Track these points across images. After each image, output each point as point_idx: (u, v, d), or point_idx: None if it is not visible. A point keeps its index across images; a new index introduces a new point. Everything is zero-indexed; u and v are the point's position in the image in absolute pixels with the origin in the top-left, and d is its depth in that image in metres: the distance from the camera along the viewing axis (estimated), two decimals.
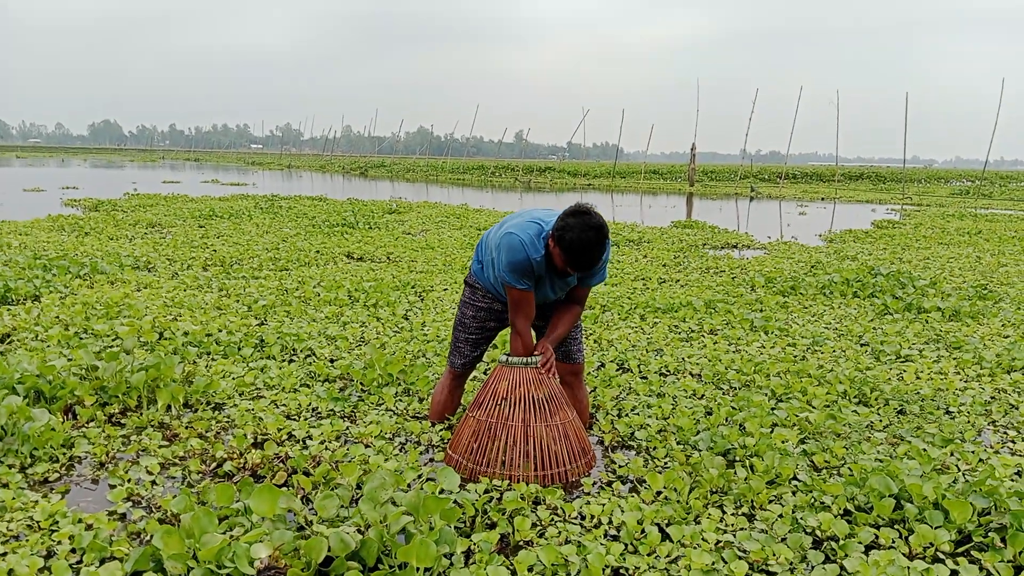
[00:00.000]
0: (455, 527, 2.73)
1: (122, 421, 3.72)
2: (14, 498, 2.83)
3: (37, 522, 2.69)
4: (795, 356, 5.09)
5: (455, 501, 2.81)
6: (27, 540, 2.57)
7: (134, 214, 13.80)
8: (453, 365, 3.62)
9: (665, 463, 3.36)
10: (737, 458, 3.41)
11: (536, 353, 3.28)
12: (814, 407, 4.06)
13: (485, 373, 4.52)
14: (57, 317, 5.53)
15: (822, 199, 27.78)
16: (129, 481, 3.08)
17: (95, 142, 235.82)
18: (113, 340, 5.02)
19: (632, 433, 3.72)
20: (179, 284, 7.13)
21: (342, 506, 2.72)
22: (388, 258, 9.43)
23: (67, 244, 9.56)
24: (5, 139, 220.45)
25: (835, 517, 2.79)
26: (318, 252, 9.51)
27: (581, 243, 2.95)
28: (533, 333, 3.43)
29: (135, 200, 17.16)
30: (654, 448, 3.51)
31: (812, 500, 2.96)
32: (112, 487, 3.03)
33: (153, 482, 3.09)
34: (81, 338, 5.05)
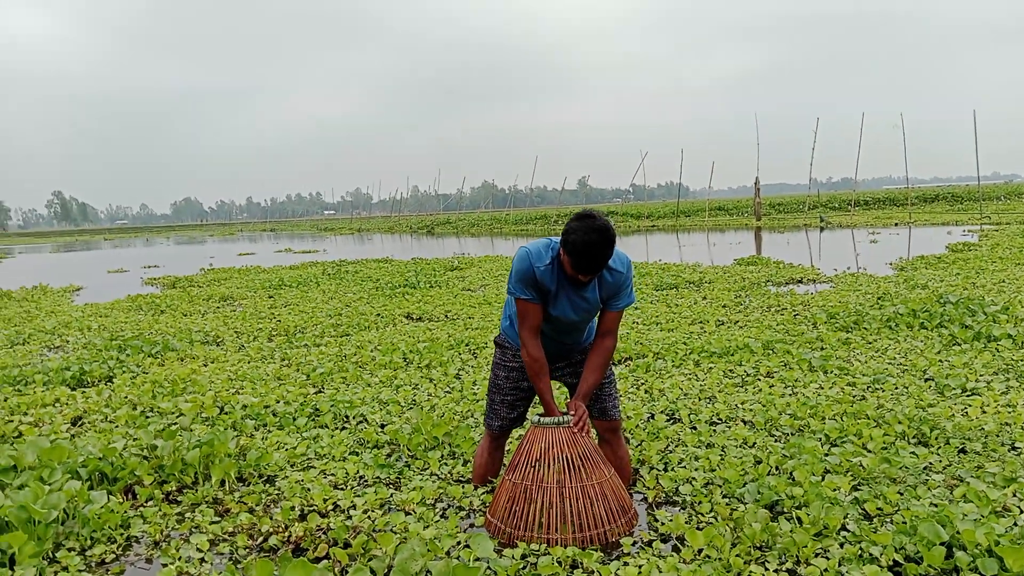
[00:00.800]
0: None
1: (178, 498, 3.85)
2: None
3: None
4: (853, 396, 4.93)
5: (489, 568, 2.81)
6: None
7: (208, 289, 14.39)
8: (491, 428, 3.63)
9: (709, 519, 3.28)
10: (784, 509, 3.31)
11: (569, 413, 3.27)
12: (869, 451, 3.91)
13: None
14: (126, 397, 5.79)
15: (895, 224, 26.98)
16: (180, 559, 3.17)
17: (177, 219, 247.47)
18: (177, 417, 5.21)
19: (677, 488, 3.65)
20: (244, 357, 7.37)
21: None
22: (446, 316, 9.56)
23: (143, 323, 10.02)
24: (94, 222, 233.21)
25: (882, 569, 2.67)
26: (379, 315, 9.72)
27: (585, 244, 2.97)
28: (566, 390, 3.41)
29: (211, 275, 17.89)
30: (699, 503, 3.43)
31: (860, 552, 2.84)
32: (164, 566, 3.14)
33: (202, 559, 3.19)
34: (147, 417, 5.26)
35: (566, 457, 3.16)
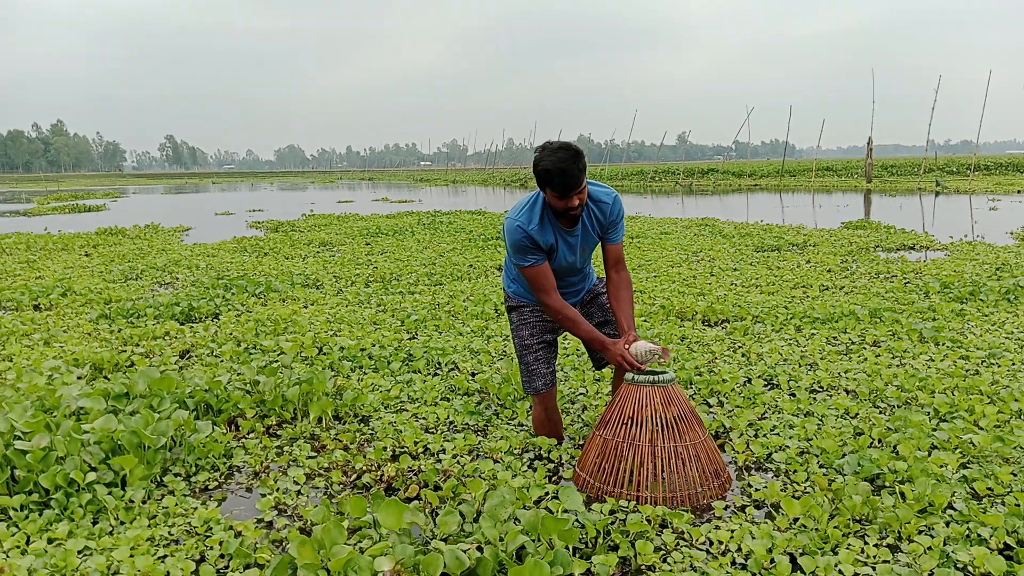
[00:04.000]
0: (576, 548, 2.71)
1: (278, 432, 4.00)
2: (177, 504, 3.11)
3: (194, 528, 2.94)
4: (966, 371, 4.65)
5: (577, 521, 2.80)
6: (183, 544, 2.81)
7: (309, 234, 14.80)
8: (537, 391, 3.54)
9: (805, 488, 3.17)
10: (886, 484, 3.16)
11: (659, 362, 3.17)
12: (981, 428, 3.69)
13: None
14: (231, 334, 6.03)
15: (1018, 191, 25.23)
16: (277, 490, 3.30)
17: (281, 166, 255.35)
18: (278, 355, 5.39)
19: (769, 454, 3.54)
20: (342, 300, 7.56)
21: (464, 522, 2.78)
22: None
23: (247, 264, 10.40)
24: (203, 166, 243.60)
25: (991, 552, 2.52)
26: (471, 266, 9.77)
27: (556, 165, 3.03)
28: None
29: (311, 220, 18.39)
30: (793, 471, 3.32)
31: (967, 532, 2.69)
32: (262, 495, 3.26)
33: (299, 492, 3.30)
34: (250, 353, 5.47)
35: (660, 416, 3.10)
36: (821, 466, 3.36)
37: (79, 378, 4.89)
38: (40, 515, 2.99)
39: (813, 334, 5.66)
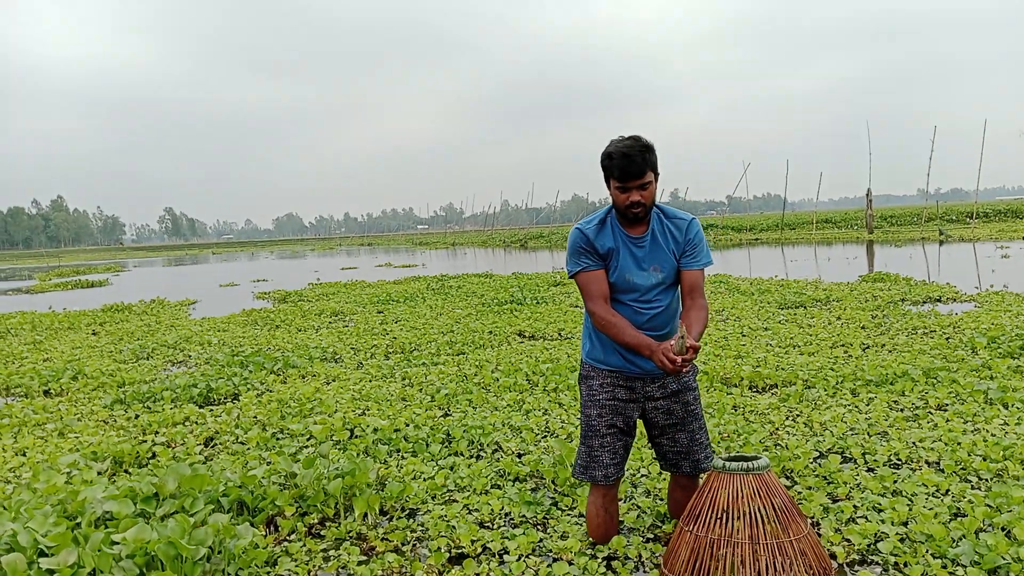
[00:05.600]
0: None
1: (321, 532, 3.67)
2: None
3: None
4: None
5: None
6: None
7: (318, 303, 14.55)
8: (595, 480, 3.17)
9: None
10: (1012, 574, 2.84)
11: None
12: None
13: None
14: (255, 417, 5.71)
15: None
16: None
17: (279, 234, 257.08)
18: (308, 440, 5.09)
19: (870, 544, 3.21)
20: (364, 375, 7.26)
21: None
22: (559, 335, 9.26)
23: (260, 339, 10.11)
24: (202, 236, 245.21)
25: None
26: (491, 332, 9.50)
27: (619, 149, 2.90)
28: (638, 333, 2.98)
29: (318, 289, 18.16)
30: (904, 564, 3.00)
31: None
32: None
33: None
34: (278, 439, 5.16)
35: (758, 508, 2.79)
36: (935, 556, 3.04)
37: (99, 474, 4.57)
38: None
39: (872, 398, 5.36)
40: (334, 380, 7.14)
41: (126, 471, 4.73)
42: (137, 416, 6.04)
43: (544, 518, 3.70)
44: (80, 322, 13.35)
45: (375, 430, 5.12)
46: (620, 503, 3.71)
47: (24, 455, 5.08)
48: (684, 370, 2.79)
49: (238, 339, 10.22)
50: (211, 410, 6.10)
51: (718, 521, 2.82)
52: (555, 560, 3.20)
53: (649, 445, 3.68)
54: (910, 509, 3.48)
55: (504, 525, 3.66)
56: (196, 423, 5.74)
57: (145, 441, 5.22)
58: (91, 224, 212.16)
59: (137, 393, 6.65)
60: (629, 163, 2.89)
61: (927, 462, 4.14)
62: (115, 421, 5.95)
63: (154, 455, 4.96)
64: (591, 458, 3.18)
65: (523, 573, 3.08)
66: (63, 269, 43.28)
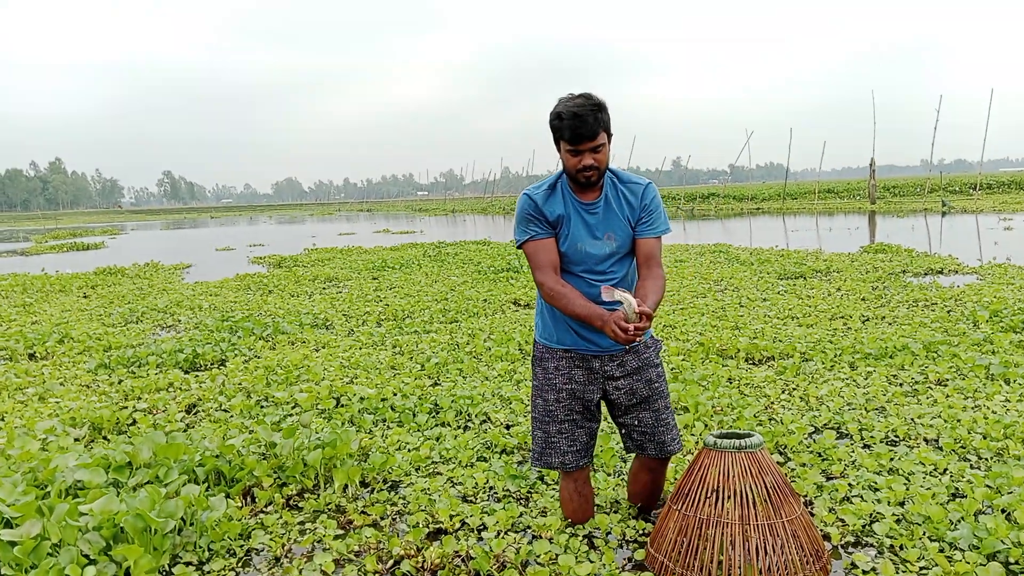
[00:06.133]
0: None
1: (299, 504, 3.56)
2: None
3: None
4: None
5: None
6: None
7: (313, 269, 14.39)
8: (552, 467, 3.00)
9: (921, 570, 2.73)
10: (1010, 560, 2.73)
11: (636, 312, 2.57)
12: None
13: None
14: (240, 384, 5.60)
15: None
16: None
17: (279, 199, 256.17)
18: (292, 408, 4.97)
19: (864, 526, 3.09)
20: (355, 342, 7.13)
21: None
22: None
23: (252, 304, 9.98)
24: (201, 200, 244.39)
25: None
26: (486, 300, 9.37)
27: (568, 110, 2.70)
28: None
29: (314, 255, 17.99)
30: (900, 547, 2.88)
31: None
32: None
33: None
34: (262, 407, 5.04)
35: (749, 487, 2.67)
36: (932, 539, 2.92)
37: (76, 440, 4.46)
38: None
39: (870, 372, 5.23)
40: (323, 347, 7.01)
41: (104, 438, 4.62)
42: (120, 381, 5.92)
43: (528, 492, 3.58)
44: (72, 285, 13.20)
45: (361, 399, 5.00)
46: (610, 478, 3.60)
47: (2, 420, 4.97)
48: (637, 339, 2.57)
49: (229, 304, 10.09)
50: (196, 376, 5.98)
51: (707, 500, 2.70)
52: (535, 538, 3.08)
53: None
54: (907, 489, 3.36)
55: (487, 499, 3.55)
56: (180, 389, 5.63)
57: (126, 407, 5.10)
58: (90, 187, 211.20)
59: (122, 358, 6.52)
60: (581, 123, 2.69)
61: (925, 439, 4.02)
62: (98, 386, 5.83)
63: (134, 422, 4.85)
64: (547, 444, 2.99)
65: (504, 551, 2.97)
66: (60, 232, 43.04)
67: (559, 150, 2.82)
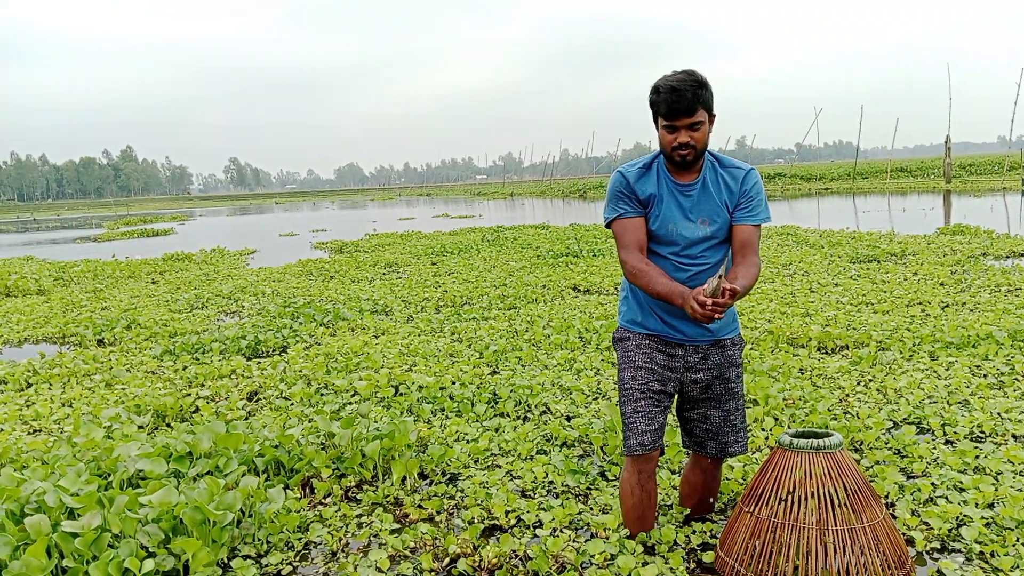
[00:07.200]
0: None
1: (358, 496, 3.52)
2: None
3: None
4: None
5: None
6: None
7: (373, 254, 14.49)
8: (630, 450, 2.76)
9: None
10: None
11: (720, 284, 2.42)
12: None
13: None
14: (300, 371, 5.60)
15: None
16: None
17: (341, 184, 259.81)
18: (352, 396, 4.95)
19: (951, 530, 2.89)
20: (413, 329, 7.10)
21: None
22: (616, 289, 8.94)
23: (313, 289, 10.06)
24: (266, 186, 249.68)
25: None
26: (544, 286, 9.25)
27: (667, 84, 2.58)
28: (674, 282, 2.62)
29: (374, 240, 18.13)
30: (992, 554, 2.68)
31: None
32: None
33: None
34: (322, 395, 5.03)
35: (828, 490, 2.50)
36: None
37: (140, 427, 4.52)
38: None
39: (952, 363, 4.95)
40: (383, 334, 7.00)
41: (168, 425, 4.67)
42: (185, 368, 6.00)
43: (588, 488, 3.46)
44: (141, 271, 13.55)
45: (420, 388, 4.95)
46: (674, 476, 3.46)
47: (70, 406, 5.07)
48: (717, 316, 2.41)
49: (291, 289, 10.20)
50: (258, 363, 6.02)
51: (782, 503, 2.54)
52: (592, 536, 2.97)
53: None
54: (996, 490, 3.14)
55: (546, 495, 3.44)
56: (242, 376, 5.67)
57: (189, 394, 5.16)
58: (160, 174, 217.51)
59: (187, 344, 6.62)
60: (678, 98, 2.54)
61: (1014, 436, 3.77)
62: (163, 372, 5.92)
63: (197, 409, 4.89)
64: (627, 426, 2.83)
65: (562, 550, 2.86)
66: (131, 218, 44.45)
67: (656, 127, 2.68)
